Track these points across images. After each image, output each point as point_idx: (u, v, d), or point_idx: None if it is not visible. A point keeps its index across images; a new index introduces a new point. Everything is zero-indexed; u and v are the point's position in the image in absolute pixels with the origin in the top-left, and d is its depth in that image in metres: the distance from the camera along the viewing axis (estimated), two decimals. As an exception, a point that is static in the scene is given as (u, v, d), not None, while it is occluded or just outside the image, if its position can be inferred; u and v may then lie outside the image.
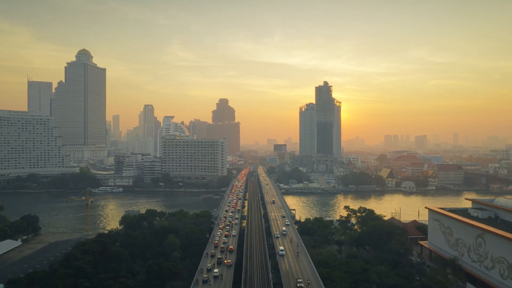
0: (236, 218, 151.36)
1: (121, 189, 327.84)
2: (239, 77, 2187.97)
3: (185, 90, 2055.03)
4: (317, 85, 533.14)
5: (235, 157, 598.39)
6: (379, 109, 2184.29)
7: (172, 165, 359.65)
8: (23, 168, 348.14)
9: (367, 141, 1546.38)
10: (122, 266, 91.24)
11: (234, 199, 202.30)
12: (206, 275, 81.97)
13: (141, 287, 79.61)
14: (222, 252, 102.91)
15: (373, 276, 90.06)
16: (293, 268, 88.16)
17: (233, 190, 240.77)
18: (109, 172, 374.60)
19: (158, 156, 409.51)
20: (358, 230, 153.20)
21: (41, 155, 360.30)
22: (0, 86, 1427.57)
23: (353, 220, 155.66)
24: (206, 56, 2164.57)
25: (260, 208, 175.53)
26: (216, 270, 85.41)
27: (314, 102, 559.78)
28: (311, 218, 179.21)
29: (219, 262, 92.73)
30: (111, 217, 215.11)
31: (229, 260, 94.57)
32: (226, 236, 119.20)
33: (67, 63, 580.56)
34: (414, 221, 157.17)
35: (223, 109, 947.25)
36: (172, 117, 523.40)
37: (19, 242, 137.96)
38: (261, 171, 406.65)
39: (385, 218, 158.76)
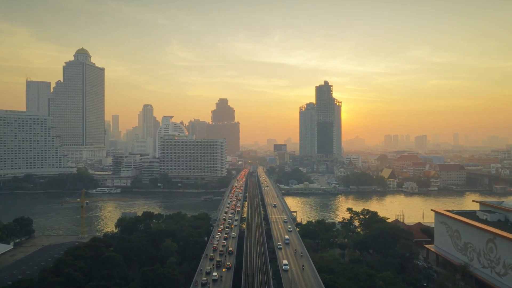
0: (236, 220, 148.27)
1: (119, 190, 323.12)
2: (238, 77, 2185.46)
3: (185, 90, 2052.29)
4: (318, 85, 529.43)
5: (235, 157, 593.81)
6: (379, 109, 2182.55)
7: (171, 166, 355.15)
8: (19, 168, 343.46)
9: (367, 141, 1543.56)
10: (116, 273, 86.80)
11: (234, 201, 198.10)
12: (205, 278, 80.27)
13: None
14: (221, 255, 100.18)
15: (379, 283, 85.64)
16: (296, 276, 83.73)
17: (232, 191, 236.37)
18: (107, 173, 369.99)
19: (157, 156, 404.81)
20: (361, 232, 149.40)
21: (38, 155, 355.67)
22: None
23: (356, 223, 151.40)
24: (205, 56, 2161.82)
25: (260, 210, 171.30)
26: (215, 273, 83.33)
27: (314, 102, 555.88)
28: (313, 221, 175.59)
29: (218, 265, 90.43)
30: (108, 219, 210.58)
31: (228, 262, 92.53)
32: (225, 238, 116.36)
33: (65, 62, 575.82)
34: (419, 223, 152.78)
35: (223, 109, 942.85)
36: (171, 117, 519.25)
37: (11, 246, 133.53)
38: (261, 171, 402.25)
39: (389, 221, 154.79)
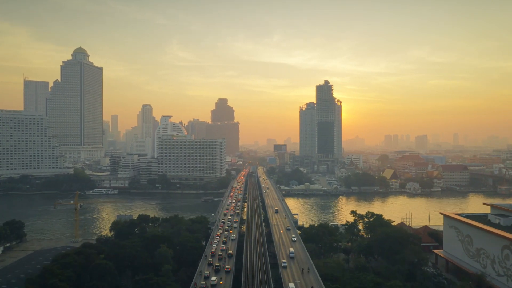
0: (236, 222, 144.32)
1: (116, 191, 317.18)
2: (238, 77, 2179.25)
3: (185, 90, 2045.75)
4: (318, 84, 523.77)
5: (234, 157, 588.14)
6: (379, 109, 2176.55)
7: (169, 166, 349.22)
8: (15, 169, 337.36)
9: (367, 141, 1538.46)
10: (107, 282, 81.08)
11: (233, 202, 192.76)
12: (204, 282, 78.47)
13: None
14: (220, 259, 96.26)
15: (387, 293, 80.00)
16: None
17: (231, 193, 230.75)
18: (104, 173, 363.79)
19: (156, 157, 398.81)
20: (364, 235, 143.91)
21: (34, 155, 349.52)
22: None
23: (360, 226, 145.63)
24: (205, 56, 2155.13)
25: (261, 212, 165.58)
26: (213, 278, 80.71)
27: (315, 102, 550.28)
28: (315, 224, 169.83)
29: (217, 270, 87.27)
30: (104, 221, 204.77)
31: (228, 265, 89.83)
32: (224, 242, 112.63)
33: (62, 61, 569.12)
34: (425, 226, 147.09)
35: (222, 109, 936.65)
36: (170, 116, 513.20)
37: None
38: (261, 172, 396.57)
39: (394, 224, 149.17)
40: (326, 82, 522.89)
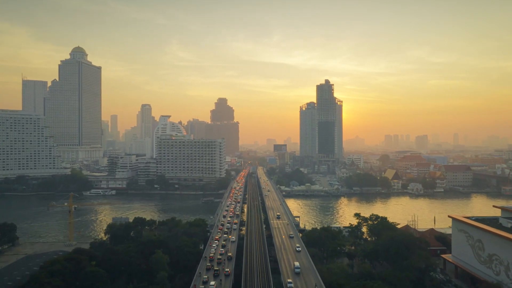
0: (235, 223, 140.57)
1: (114, 192, 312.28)
2: (238, 77, 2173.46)
3: (184, 90, 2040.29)
4: (318, 84, 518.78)
5: (234, 157, 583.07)
6: (379, 109, 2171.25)
7: (168, 166, 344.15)
8: (11, 169, 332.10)
9: (367, 141, 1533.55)
10: (97, 292, 75.98)
11: (233, 204, 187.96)
12: (203, 286, 77.47)
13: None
14: (219, 263, 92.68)
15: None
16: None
17: (231, 194, 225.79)
18: (101, 174, 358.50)
19: (154, 157, 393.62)
20: (368, 238, 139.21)
21: (31, 156, 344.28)
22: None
23: (364, 229, 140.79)
24: (205, 56, 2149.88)
25: (261, 214, 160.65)
26: (212, 283, 78.84)
27: (315, 101, 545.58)
28: (317, 227, 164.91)
29: (216, 275, 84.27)
30: (100, 223, 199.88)
31: (227, 269, 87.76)
32: (223, 246, 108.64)
33: (61, 61, 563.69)
34: (432, 229, 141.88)
35: (222, 109, 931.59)
36: (169, 116, 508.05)
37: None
38: (261, 172, 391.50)
39: (399, 226, 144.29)
40: (327, 81, 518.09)
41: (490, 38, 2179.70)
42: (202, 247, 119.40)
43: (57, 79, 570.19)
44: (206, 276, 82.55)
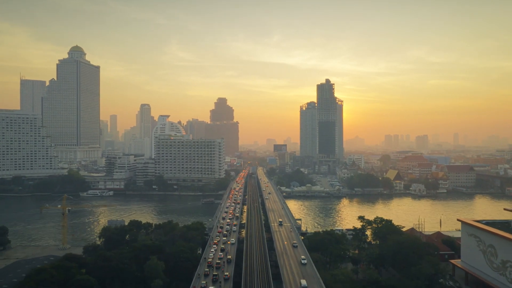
0: (235, 225, 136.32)
1: (111, 193, 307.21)
2: (238, 77, 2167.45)
3: (184, 90, 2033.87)
4: (319, 83, 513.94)
5: (234, 157, 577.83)
6: (378, 109, 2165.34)
7: (167, 167, 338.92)
8: (7, 170, 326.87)
9: (367, 141, 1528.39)
10: (86, 302, 70.89)
11: (232, 205, 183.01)
12: None
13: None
14: (218, 268, 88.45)
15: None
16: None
17: (230, 195, 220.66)
18: (99, 175, 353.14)
19: (153, 157, 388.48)
20: (373, 242, 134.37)
21: (28, 156, 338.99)
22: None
23: (368, 232, 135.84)
24: (205, 56, 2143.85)
25: (261, 217, 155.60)
26: None
27: (315, 101, 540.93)
28: (319, 229, 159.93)
29: (215, 280, 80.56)
30: (97, 225, 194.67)
31: (226, 272, 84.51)
32: (222, 250, 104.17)
33: (59, 60, 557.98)
34: (438, 232, 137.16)
35: (222, 109, 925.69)
36: (168, 116, 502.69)
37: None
38: (260, 173, 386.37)
39: (404, 229, 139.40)
40: (327, 81, 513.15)
41: (489, 38, 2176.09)
42: (200, 252, 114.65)
43: (55, 79, 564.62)
44: (205, 282, 79.30)
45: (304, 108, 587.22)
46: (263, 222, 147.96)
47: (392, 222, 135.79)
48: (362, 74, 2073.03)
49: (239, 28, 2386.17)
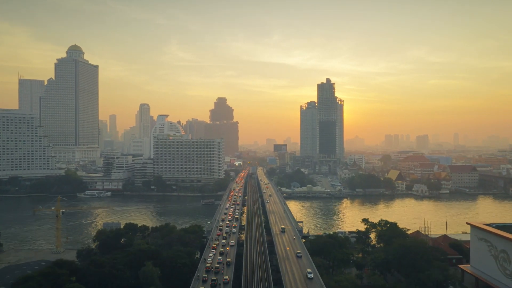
0: (234, 227, 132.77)
1: (109, 193, 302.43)
2: (237, 77, 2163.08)
3: (184, 90, 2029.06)
4: (319, 83, 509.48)
5: (234, 157, 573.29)
6: (378, 109, 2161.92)
7: (165, 167, 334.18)
8: (4, 170, 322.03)
9: (367, 141, 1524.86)
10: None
11: (232, 207, 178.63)
12: None
13: None
14: (216, 273, 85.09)
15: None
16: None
17: (230, 196, 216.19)
18: (97, 175, 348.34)
19: (152, 157, 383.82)
20: (377, 245, 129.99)
21: (24, 156, 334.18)
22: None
23: (372, 235, 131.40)
24: (204, 56, 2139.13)
25: (261, 219, 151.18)
26: None
27: (315, 101, 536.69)
28: (322, 232, 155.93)
29: (213, 285, 77.44)
30: (93, 227, 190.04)
31: (226, 276, 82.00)
32: (221, 253, 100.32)
33: (57, 59, 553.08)
34: (445, 235, 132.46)
35: (221, 108, 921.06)
36: (167, 115, 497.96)
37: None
38: (261, 173, 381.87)
39: (409, 232, 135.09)
40: (328, 80, 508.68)
41: (489, 38, 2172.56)
42: (198, 256, 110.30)
43: (53, 78, 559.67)
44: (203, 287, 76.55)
45: (304, 108, 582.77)
46: (264, 224, 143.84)
47: (397, 224, 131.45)
48: (362, 74, 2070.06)
49: (239, 28, 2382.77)
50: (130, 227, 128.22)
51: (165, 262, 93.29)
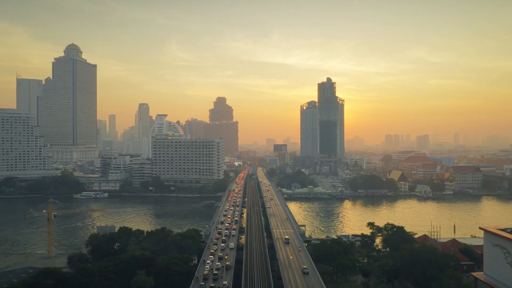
0: (234, 229, 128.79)
1: (106, 195, 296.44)
2: (237, 77, 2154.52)
3: (184, 90, 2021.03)
4: (320, 82, 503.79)
5: (233, 158, 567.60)
6: (378, 109, 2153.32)
7: (163, 168, 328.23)
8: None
9: (367, 141, 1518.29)
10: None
11: (231, 209, 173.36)
12: None
13: None
14: (215, 280, 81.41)
15: None
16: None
17: (229, 198, 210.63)
18: (94, 176, 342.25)
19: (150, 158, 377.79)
20: (382, 250, 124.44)
21: (20, 156, 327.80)
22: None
23: (378, 240, 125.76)
24: (204, 56, 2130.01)
25: (262, 222, 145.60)
26: None
27: (315, 101, 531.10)
28: (324, 236, 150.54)
29: None
30: (91, 229, 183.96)
31: (225, 281, 79.38)
32: (220, 258, 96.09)
33: (54, 58, 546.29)
34: (454, 240, 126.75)
35: (221, 108, 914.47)
36: (165, 115, 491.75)
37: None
38: (261, 173, 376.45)
39: (416, 236, 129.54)
40: (329, 79, 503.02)
41: (489, 38, 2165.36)
42: (195, 261, 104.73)
43: (51, 77, 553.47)
44: None
45: (304, 108, 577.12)
46: (264, 227, 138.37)
47: (404, 228, 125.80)
48: (362, 74, 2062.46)
49: (238, 28, 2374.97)
50: (124, 231, 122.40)
51: (160, 270, 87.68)
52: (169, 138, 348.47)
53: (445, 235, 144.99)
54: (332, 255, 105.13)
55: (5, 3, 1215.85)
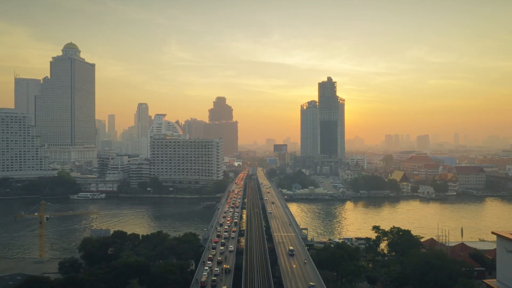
0: (233, 232, 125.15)
1: (103, 195, 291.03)
2: (237, 77, 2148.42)
3: (183, 90, 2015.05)
4: (320, 81, 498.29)
5: (233, 158, 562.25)
6: (378, 109, 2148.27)
7: (162, 168, 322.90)
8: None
9: (367, 141, 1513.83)
10: None
11: (231, 210, 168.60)
12: None
13: None
14: (214, 286, 77.76)
15: None
16: None
17: (229, 199, 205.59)
18: (91, 176, 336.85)
19: (148, 158, 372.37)
20: (387, 254, 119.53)
21: (16, 156, 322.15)
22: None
23: (383, 244, 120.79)
24: (204, 56, 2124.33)
25: (262, 224, 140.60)
26: None
27: (316, 100, 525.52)
28: (326, 239, 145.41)
29: None
30: (82, 232, 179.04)
31: (224, 286, 76.70)
32: (219, 262, 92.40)
33: (52, 57, 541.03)
34: (462, 244, 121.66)
35: (220, 108, 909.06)
36: (164, 115, 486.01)
37: None
38: (261, 174, 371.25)
39: (422, 240, 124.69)
40: (329, 79, 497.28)
41: (489, 38, 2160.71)
42: (193, 267, 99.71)
43: (49, 77, 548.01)
44: None
45: (305, 107, 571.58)
46: (264, 229, 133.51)
47: (410, 231, 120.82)
48: (361, 74, 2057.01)
49: (238, 28, 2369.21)
50: (119, 235, 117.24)
51: (154, 278, 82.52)
52: (168, 138, 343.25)
53: (451, 239, 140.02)
54: (336, 261, 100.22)
55: (5, 3, 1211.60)
